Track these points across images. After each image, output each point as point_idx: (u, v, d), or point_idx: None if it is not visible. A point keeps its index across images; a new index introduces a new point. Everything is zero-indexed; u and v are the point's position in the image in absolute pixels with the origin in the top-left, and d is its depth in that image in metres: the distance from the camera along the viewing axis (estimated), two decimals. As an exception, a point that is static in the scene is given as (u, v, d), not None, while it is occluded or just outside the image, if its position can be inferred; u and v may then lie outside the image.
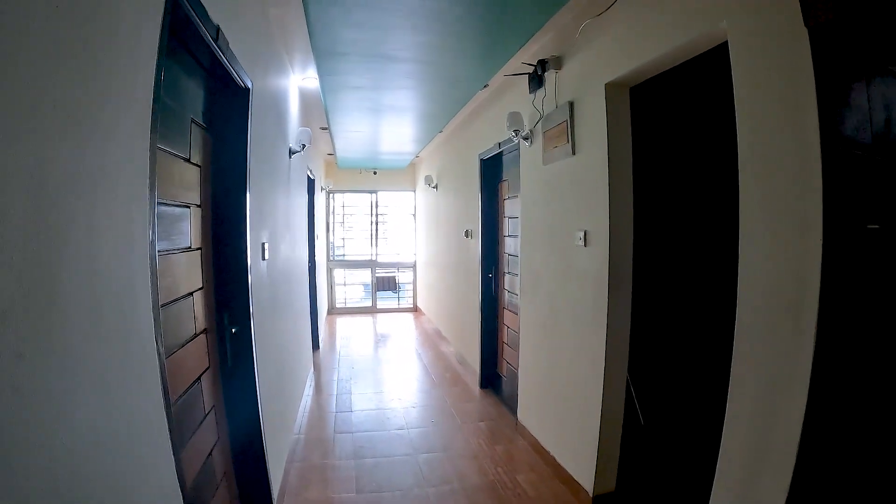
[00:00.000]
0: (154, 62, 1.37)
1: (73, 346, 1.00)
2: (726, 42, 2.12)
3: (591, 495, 3.28)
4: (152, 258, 1.37)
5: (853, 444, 1.77)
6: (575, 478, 3.49)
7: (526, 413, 4.47)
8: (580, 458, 3.43)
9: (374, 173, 10.83)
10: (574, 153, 3.46)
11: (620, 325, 3.15)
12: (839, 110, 1.71)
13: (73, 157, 1.01)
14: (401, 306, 11.37)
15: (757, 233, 2.00)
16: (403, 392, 5.83)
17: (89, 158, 1.06)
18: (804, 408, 1.77)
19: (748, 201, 2.03)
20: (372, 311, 11.05)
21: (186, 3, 1.57)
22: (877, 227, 1.83)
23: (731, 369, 2.13)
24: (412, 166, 10.82)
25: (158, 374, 1.38)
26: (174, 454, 1.45)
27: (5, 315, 0.81)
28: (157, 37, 1.39)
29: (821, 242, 1.71)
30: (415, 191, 11.21)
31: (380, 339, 8.72)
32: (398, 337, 8.88)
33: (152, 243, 1.37)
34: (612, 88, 3.03)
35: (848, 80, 1.69)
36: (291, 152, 4.28)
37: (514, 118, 4.10)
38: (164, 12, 1.41)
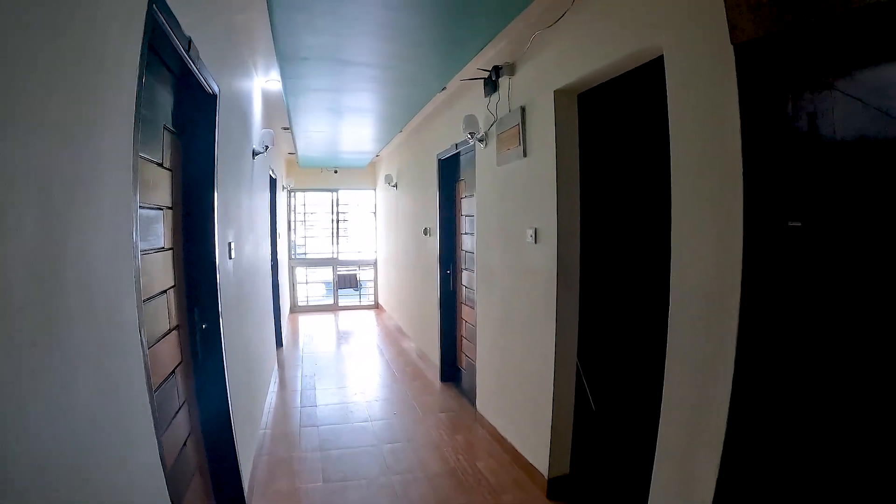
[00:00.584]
0: (136, 78, 1.49)
1: (74, 335, 1.13)
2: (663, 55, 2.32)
3: (546, 478, 3.47)
4: (136, 257, 1.49)
5: (775, 419, 1.98)
6: (531, 463, 3.68)
7: (484, 403, 4.66)
8: (535, 444, 3.62)
9: (335, 172, 10.90)
10: (525, 155, 3.65)
11: (569, 318, 3.36)
12: (761, 119, 1.93)
13: (72, 167, 1.13)
14: (362, 303, 11.47)
15: (686, 230, 2.21)
16: (366, 387, 5.95)
17: (85, 168, 1.19)
18: (730, 388, 1.97)
19: (679, 202, 2.24)
20: (334, 308, 11.12)
21: (163, 19, 1.69)
22: (798, 224, 2.06)
23: (666, 356, 2.34)
24: (372, 165, 10.92)
25: (143, 363, 1.50)
26: (156, 436, 1.57)
27: (24, 307, 0.94)
28: (139, 54, 1.51)
29: (741, 239, 1.91)
30: (375, 189, 11.30)
31: (342, 337, 8.81)
32: (360, 334, 8.98)
33: (135, 244, 1.49)
34: (560, 95, 3.22)
35: (771, 92, 1.91)
36: (255, 153, 4.37)
37: (470, 121, 4.28)
38: (145, 32, 1.53)
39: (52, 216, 1.05)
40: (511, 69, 3.76)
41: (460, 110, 4.90)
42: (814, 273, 1.96)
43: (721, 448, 2.02)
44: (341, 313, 10.86)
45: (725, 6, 1.93)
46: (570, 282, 3.33)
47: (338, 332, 9.20)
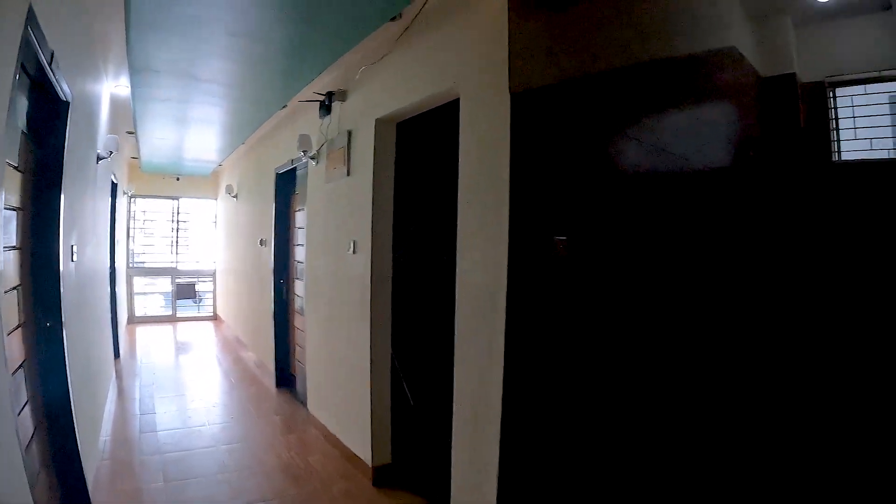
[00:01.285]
0: (8, 94, 1.66)
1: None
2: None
3: (371, 467, 3.82)
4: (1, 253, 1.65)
5: (538, 396, 2.48)
6: (357, 455, 4.02)
7: (315, 404, 4.99)
8: (360, 438, 3.98)
9: (178, 179, 10.59)
10: (349, 174, 4.08)
11: (383, 319, 3.79)
12: (530, 152, 2.46)
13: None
14: (201, 315, 11.18)
15: (468, 241, 2.72)
16: (204, 394, 6.04)
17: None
18: (502, 370, 2.42)
19: (463, 217, 2.74)
20: (172, 319, 10.74)
21: (33, 36, 1.86)
22: (564, 238, 2.63)
23: (455, 350, 2.78)
24: (215, 175, 10.73)
25: (2, 347, 1.67)
26: (13, 413, 1.72)
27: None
28: (13, 69, 1.68)
29: (506, 250, 2.39)
30: (217, 199, 11.12)
31: (181, 347, 8.64)
32: (199, 345, 8.88)
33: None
34: (380, 123, 3.70)
35: (543, 131, 2.47)
36: (99, 158, 4.35)
37: (304, 140, 4.64)
38: (19, 50, 1.71)
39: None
40: (343, 95, 4.18)
41: (298, 129, 5.19)
42: (576, 277, 2.54)
43: (499, 428, 2.43)
44: (180, 325, 10.53)
45: (509, 62, 2.43)
46: (383, 287, 3.77)
47: (177, 343, 8.99)
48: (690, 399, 3.58)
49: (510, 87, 2.41)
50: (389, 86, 3.55)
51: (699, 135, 4.17)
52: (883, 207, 5.05)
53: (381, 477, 3.82)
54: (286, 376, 6.19)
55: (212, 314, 11.15)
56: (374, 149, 3.69)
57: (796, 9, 5.79)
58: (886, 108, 5.74)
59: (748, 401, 4.17)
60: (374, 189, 3.69)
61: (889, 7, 5.01)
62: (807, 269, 5.10)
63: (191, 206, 11.18)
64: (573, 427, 2.75)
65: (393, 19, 3.20)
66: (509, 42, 2.44)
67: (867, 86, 5.87)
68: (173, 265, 10.90)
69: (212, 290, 11.20)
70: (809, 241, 5.36)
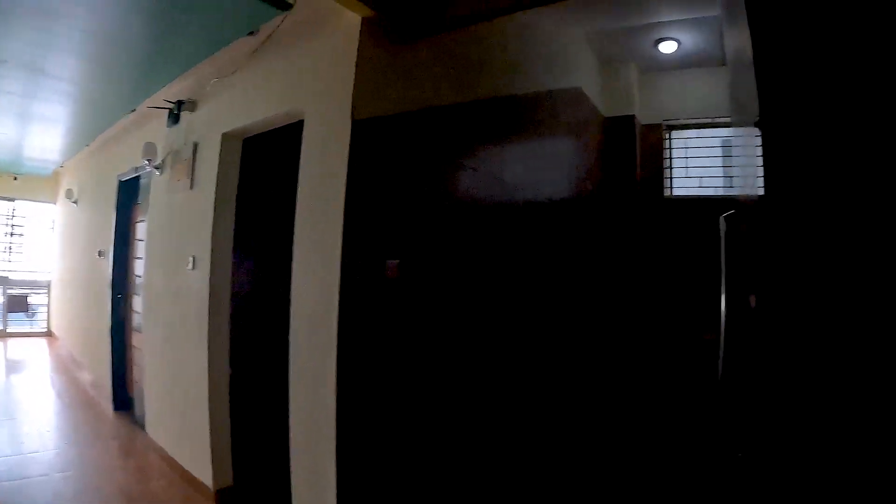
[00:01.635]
0: None
1: None
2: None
3: (212, 490, 3.68)
4: None
5: (370, 411, 2.54)
6: (198, 478, 3.84)
7: (154, 427, 4.71)
8: (200, 460, 3.81)
9: (15, 179, 9.63)
10: (192, 187, 3.94)
11: (221, 338, 3.66)
12: (365, 179, 2.51)
13: None
14: (34, 330, 10.13)
15: (303, 260, 2.74)
16: (38, 418, 5.52)
17: None
18: (335, 389, 2.47)
19: (300, 238, 2.77)
20: (2, 335, 9.72)
21: None
22: (397, 260, 2.71)
23: (289, 369, 2.79)
24: (56, 175, 9.79)
25: None
26: None
27: None
28: None
29: (339, 271, 2.46)
30: (56, 203, 10.14)
31: (11, 367, 7.85)
32: (32, 363, 8.09)
33: None
34: (227, 138, 3.62)
35: (382, 159, 2.56)
36: None
37: (149, 148, 4.41)
38: None
39: None
40: (193, 106, 4.05)
41: (145, 136, 4.90)
42: (407, 297, 2.61)
43: (335, 445, 2.47)
44: (10, 340, 9.54)
45: (354, 89, 2.54)
46: (221, 304, 3.66)
47: (7, 361, 8.16)
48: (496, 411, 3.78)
49: (352, 114, 2.52)
50: (239, 101, 3.49)
51: (536, 167, 4.44)
52: (703, 238, 5.61)
53: (224, 499, 3.68)
54: (124, 398, 5.77)
55: (45, 329, 10.14)
56: (219, 162, 3.60)
57: (642, 57, 6.42)
58: (719, 151, 6.45)
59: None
60: (216, 204, 3.59)
61: (724, 63, 5.63)
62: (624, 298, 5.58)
63: (28, 209, 10.19)
64: (404, 437, 2.86)
65: (250, 34, 3.20)
66: (356, 70, 2.56)
67: (701, 130, 6.68)
68: (5, 274, 9.87)
69: (46, 303, 10.18)
70: (634, 267, 6.10)
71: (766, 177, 2.09)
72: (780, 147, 2.03)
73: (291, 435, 2.78)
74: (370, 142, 2.57)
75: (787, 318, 1.91)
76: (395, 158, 2.81)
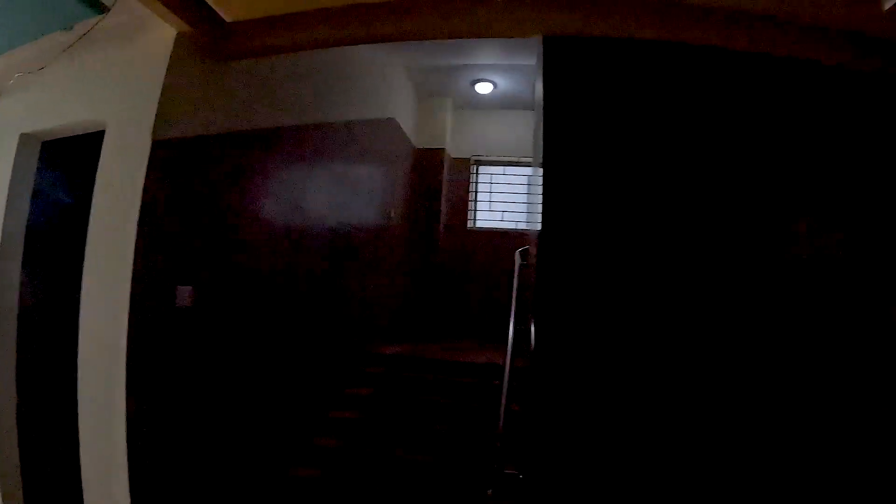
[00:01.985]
0: None
1: None
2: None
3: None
4: None
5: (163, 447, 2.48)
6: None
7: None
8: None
9: None
10: None
11: (5, 364, 3.17)
12: (161, 202, 2.51)
13: None
14: None
15: (93, 282, 2.57)
16: None
17: None
18: (125, 427, 2.37)
19: (91, 257, 2.59)
20: None
21: None
22: (191, 286, 2.68)
23: (78, 404, 2.58)
24: None
25: None
26: None
27: None
28: None
29: (129, 296, 2.38)
30: None
31: None
32: None
33: None
34: (25, 138, 3.27)
35: (172, 182, 2.56)
36: None
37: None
38: None
39: None
40: None
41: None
42: (201, 325, 2.61)
43: (128, 482, 2.38)
44: None
45: (158, 107, 2.51)
46: (5, 327, 3.21)
47: None
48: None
49: (153, 133, 2.47)
50: (44, 100, 3.21)
51: (341, 194, 4.63)
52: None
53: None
54: None
55: None
56: (13, 165, 3.28)
57: (459, 94, 7.03)
58: (524, 188, 7.03)
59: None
60: (6, 211, 3.24)
61: (533, 108, 6.22)
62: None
63: None
64: (196, 469, 2.81)
65: (64, 30, 3.02)
66: (163, 87, 2.52)
67: (506, 168, 7.39)
68: None
69: None
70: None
71: (543, 213, 2.38)
72: (554, 187, 2.31)
73: (84, 476, 2.58)
74: (167, 163, 2.53)
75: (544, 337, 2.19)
76: (190, 183, 2.76)
